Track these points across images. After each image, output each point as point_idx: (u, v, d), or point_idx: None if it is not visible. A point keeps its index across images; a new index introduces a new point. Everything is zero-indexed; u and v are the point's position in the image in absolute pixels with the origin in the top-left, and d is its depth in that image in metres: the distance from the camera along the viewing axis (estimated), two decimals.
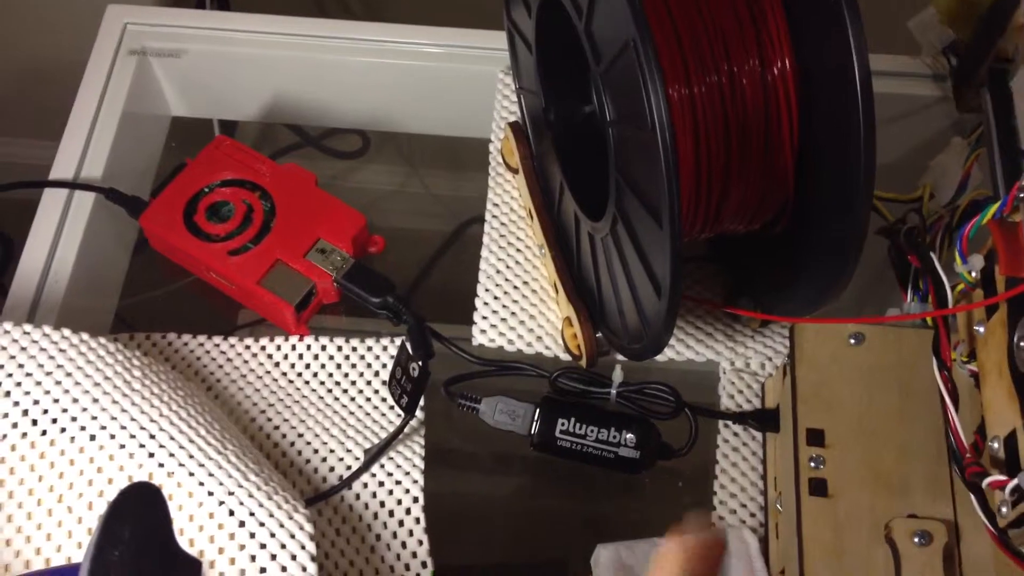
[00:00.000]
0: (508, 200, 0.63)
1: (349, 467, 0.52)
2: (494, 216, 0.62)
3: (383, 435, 0.54)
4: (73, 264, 0.60)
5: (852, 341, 0.50)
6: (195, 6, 0.83)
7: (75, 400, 0.46)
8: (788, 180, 0.46)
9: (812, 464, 0.47)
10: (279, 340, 0.57)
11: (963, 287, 0.43)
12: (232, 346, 0.57)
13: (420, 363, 0.53)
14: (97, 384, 0.47)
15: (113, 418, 0.46)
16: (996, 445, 0.40)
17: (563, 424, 0.53)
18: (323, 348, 0.57)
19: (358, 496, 0.51)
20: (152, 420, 0.46)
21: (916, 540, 0.44)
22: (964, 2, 0.56)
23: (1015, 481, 0.37)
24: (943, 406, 0.45)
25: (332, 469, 0.52)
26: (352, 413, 0.55)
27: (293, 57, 0.71)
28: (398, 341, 0.58)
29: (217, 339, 0.57)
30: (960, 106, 0.51)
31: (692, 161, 0.45)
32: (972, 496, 0.41)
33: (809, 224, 0.47)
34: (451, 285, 0.67)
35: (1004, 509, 0.39)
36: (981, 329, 0.42)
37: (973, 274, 0.42)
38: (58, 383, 0.47)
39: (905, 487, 0.46)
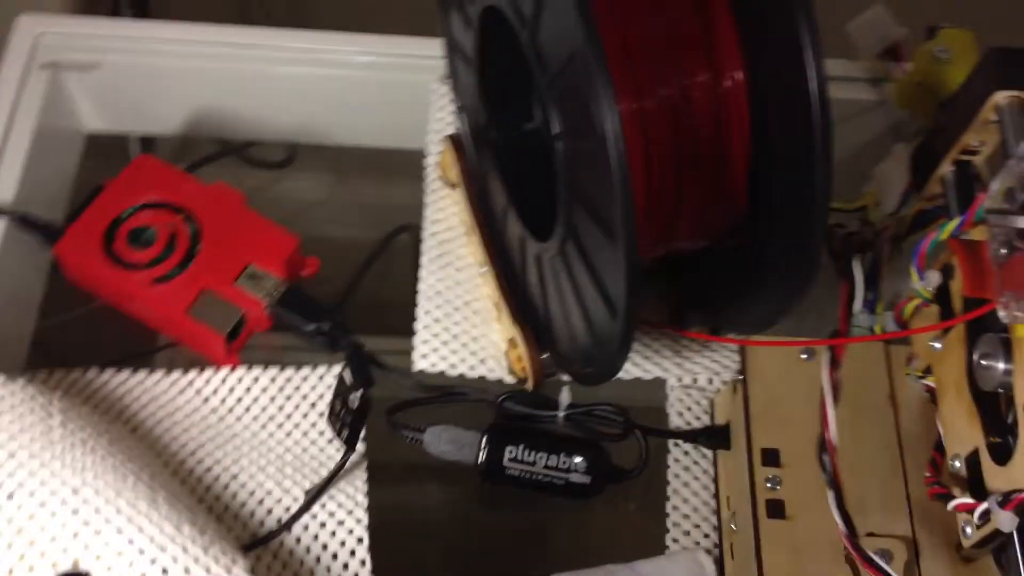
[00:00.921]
0: (447, 216, 0.61)
1: (288, 508, 0.50)
2: (432, 234, 0.60)
3: (322, 472, 0.51)
4: None
5: (804, 356, 0.49)
6: (110, 14, 0.79)
7: None
8: (740, 192, 0.44)
9: (768, 485, 0.46)
10: (207, 373, 0.55)
11: (919, 302, 0.42)
12: (157, 381, 0.54)
13: (360, 393, 0.51)
14: (12, 437, 0.44)
15: (31, 474, 0.43)
16: (957, 464, 0.39)
17: (511, 452, 0.51)
18: (255, 380, 0.54)
19: (299, 540, 0.49)
20: (74, 473, 0.43)
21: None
22: (922, 87, 0.55)
23: (984, 505, 0.36)
24: (822, 406, 0.44)
25: (270, 512, 0.50)
26: (288, 449, 0.52)
27: (216, 68, 0.68)
28: (335, 369, 0.55)
29: (141, 374, 0.54)
30: (920, 190, 0.50)
31: (643, 176, 0.43)
32: (831, 495, 0.41)
33: (763, 236, 0.45)
34: (382, 295, 0.65)
35: (968, 530, 0.38)
36: (938, 345, 0.42)
37: (929, 290, 0.41)
38: None
39: (862, 505, 0.45)
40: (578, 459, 0.51)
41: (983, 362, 0.38)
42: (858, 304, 0.49)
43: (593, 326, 0.45)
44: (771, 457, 0.46)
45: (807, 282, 0.43)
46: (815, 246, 0.41)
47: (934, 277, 0.41)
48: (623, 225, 0.38)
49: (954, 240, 0.39)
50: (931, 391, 0.43)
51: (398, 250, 0.66)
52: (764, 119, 0.43)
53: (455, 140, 0.60)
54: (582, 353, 0.48)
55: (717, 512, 0.52)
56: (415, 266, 0.66)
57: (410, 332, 0.58)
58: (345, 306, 0.61)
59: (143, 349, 0.58)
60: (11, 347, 0.58)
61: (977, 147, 0.45)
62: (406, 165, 0.70)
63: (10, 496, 0.42)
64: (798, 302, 0.44)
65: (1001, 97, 0.41)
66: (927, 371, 0.43)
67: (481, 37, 0.51)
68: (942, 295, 0.42)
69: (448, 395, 0.55)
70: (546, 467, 0.51)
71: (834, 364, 0.46)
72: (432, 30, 0.66)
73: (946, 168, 0.45)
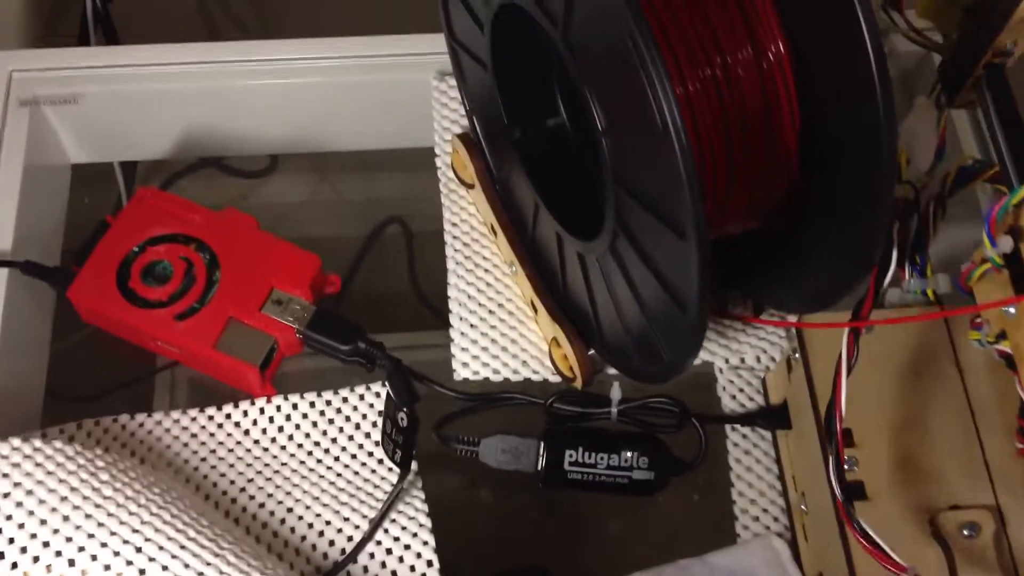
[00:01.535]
0: (466, 217, 0.59)
1: (350, 537, 0.48)
2: (455, 237, 0.58)
3: (379, 494, 0.50)
4: None
5: (864, 329, 0.48)
6: (79, 42, 0.76)
7: (43, 522, 0.41)
8: (793, 169, 0.43)
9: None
10: (244, 405, 0.53)
11: (987, 268, 0.41)
12: (193, 419, 0.52)
13: (406, 411, 0.49)
14: (64, 498, 0.42)
15: (90, 536, 0.41)
16: None
17: (571, 456, 0.50)
18: (295, 407, 0.53)
19: (366, 569, 0.47)
20: (134, 531, 0.41)
21: (965, 533, 0.43)
22: None
23: None
24: (836, 376, 0.43)
25: (332, 543, 0.48)
26: (340, 475, 0.51)
27: (198, 88, 0.65)
28: (375, 387, 0.54)
29: (175, 414, 0.52)
30: (952, 102, 0.48)
31: (696, 163, 0.41)
32: (831, 462, 0.41)
33: (816, 213, 0.44)
34: (377, 290, 0.64)
35: None
36: (1012, 310, 0.41)
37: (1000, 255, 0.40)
38: (19, 504, 0.41)
39: (942, 476, 0.45)
40: (639, 455, 0.49)
41: None
42: (890, 275, 0.47)
43: (656, 321, 0.44)
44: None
45: (872, 257, 0.42)
46: (882, 218, 0.40)
47: (1007, 242, 0.39)
48: (694, 218, 0.36)
49: None
50: (1006, 356, 0.42)
51: (387, 243, 0.65)
52: (810, 89, 0.42)
53: (466, 139, 0.58)
54: (643, 349, 0.46)
55: (784, 495, 0.51)
56: (408, 258, 0.65)
57: (411, 327, 0.56)
58: (342, 304, 0.59)
59: (142, 372, 0.57)
60: (29, 397, 0.56)
61: (1011, 48, 0.44)
62: (385, 159, 0.68)
63: (72, 563, 0.40)
64: (862, 279, 0.43)
65: None
66: (999, 336, 0.42)
67: (497, 38, 0.50)
68: (1013, 261, 0.41)
69: (494, 401, 0.53)
70: (608, 467, 0.49)
71: (855, 332, 0.44)
72: (419, 26, 0.64)
73: (979, 73, 0.45)
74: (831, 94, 0.41)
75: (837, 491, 0.41)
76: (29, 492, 0.42)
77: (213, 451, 0.51)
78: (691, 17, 0.42)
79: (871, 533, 0.40)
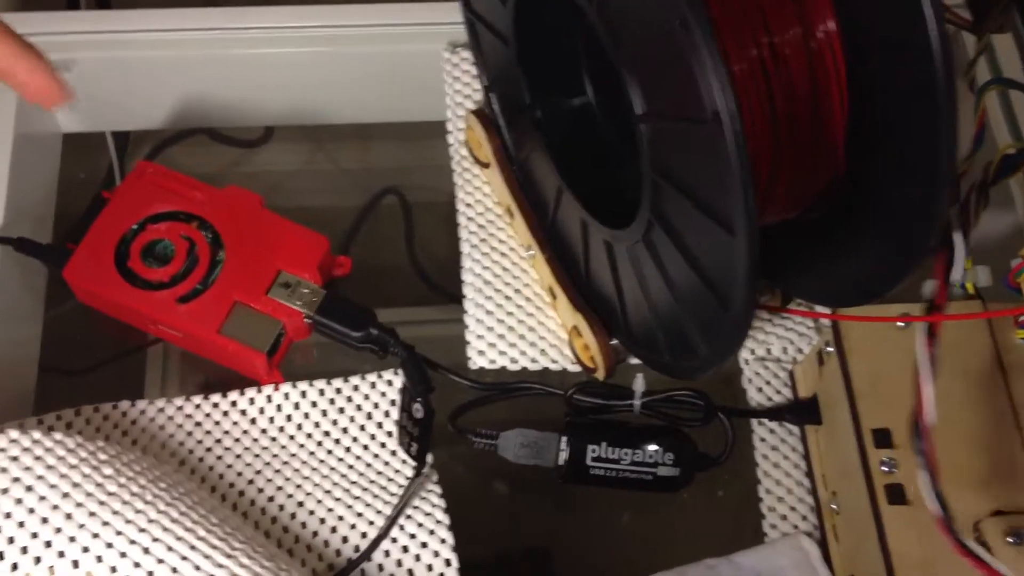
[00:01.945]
0: (481, 198, 0.56)
1: (364, 534, 0.46)
2: (469, 218, 0.56)
3: (392, 488, 0.48)
4: None
5: (900, 324, 0.46)
6: (68, 5, 0.73)
7: (45, 520, 0.38)
8: (840, 155, 0.41)
9: (884, 469, 0.43)
10: (251, 392, 0.50)
11: None
12: (197, 406, 0.49)
13: (422, 402, 0.47)
14: (66, 495, 0.39)
15: (95, 535, 0.38)
16: None
17: (594, 451, 0.48)
18: (303, 395, 0.50)
19: (381, 567, 0.45)
20: (141, 530, 0.39)
21: (1010, 540, 0.41)
22: None
23: None
24: (917, 383, 0.40)
25: (345, 540, 0.46)
26: (351, 467, 0.48)
27: (197, 55, 0.62)
28: (386, 374, 0.51)
29: (178, 400, 0.50)
30: (983, 28, 0.46)
31: None
32: (926, 479, 0.37)
33: (864, 199, 0.42)
34: (374, 263, 0.61)
35: None
36: None
37: None
38: (19, 502, 0.39)
39: (985, 480, 0.43)
40: (665, 451, 0.48)
41: None
42: (958, 272, 0.45)
43: (692, 317, 0.41)
44: (883, 438, 0.43)
45: (929, 241, 0.39)
46: (941, 208, 0.38)
47: None
48: (745, 212, 0.34)
49: None
50: None
51: (384, 214, 0.63)
52: (860, 68, 0.40)
53: (482, 116, 0.56)
54: (672, 344, 0.44)
55: (813, 493, 0.49)
56: (406, 229, 0.63)
57: (410, 301, 0.56)
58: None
59: (134, 345, 0.55)
60: (21, 376, 0.54)
61: None
62: (382, 128, 0.66)
63: (75, 564, 0.38)
64: (917, 267, 0.40)
65: None
66: None
67: (520, 11, 0.47)
68: None
69: (511, 391, 0.51)
70: (632, 463, 0.47)
71: (932, 337, 0.42)
72: None
73: None
74: (883, 72, 0.39)
75: (937, 510, 0.38)
76: (29, 488, 0.39)
77: (219, 440, 0.48)
78: None
79: (975, 550, 0.37)
